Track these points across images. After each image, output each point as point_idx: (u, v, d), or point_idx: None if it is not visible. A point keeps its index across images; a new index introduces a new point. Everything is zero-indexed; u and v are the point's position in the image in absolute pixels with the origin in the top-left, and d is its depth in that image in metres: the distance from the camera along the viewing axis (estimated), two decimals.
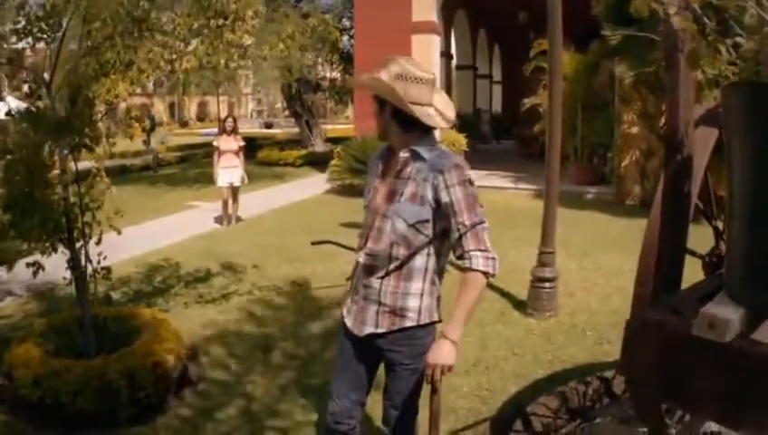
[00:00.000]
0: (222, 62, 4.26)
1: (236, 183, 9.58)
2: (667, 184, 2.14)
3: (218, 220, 9.89)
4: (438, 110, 2.29)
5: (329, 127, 26.21)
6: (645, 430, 2.76)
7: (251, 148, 20.42)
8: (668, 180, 2.14)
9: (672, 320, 1.70)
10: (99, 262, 4.03)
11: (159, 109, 43.08)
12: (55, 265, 4.01)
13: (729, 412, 1.62)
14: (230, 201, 9.68)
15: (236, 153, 9.56)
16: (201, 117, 53.40)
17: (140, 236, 8.47)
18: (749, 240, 1.62)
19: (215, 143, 9.75)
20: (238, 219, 9.93)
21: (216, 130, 17.25)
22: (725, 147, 1.68)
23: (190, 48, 4.25)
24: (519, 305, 5.54)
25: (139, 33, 4.03)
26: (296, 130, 23.02)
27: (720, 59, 1.49)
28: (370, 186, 2.44)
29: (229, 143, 9.54)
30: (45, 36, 3.94)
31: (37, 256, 3.91)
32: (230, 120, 9.90)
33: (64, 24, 3.91)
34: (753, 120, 1.54)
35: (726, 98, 1.66)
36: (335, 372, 2.58)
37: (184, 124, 46.04)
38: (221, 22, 4.23)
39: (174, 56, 4.19)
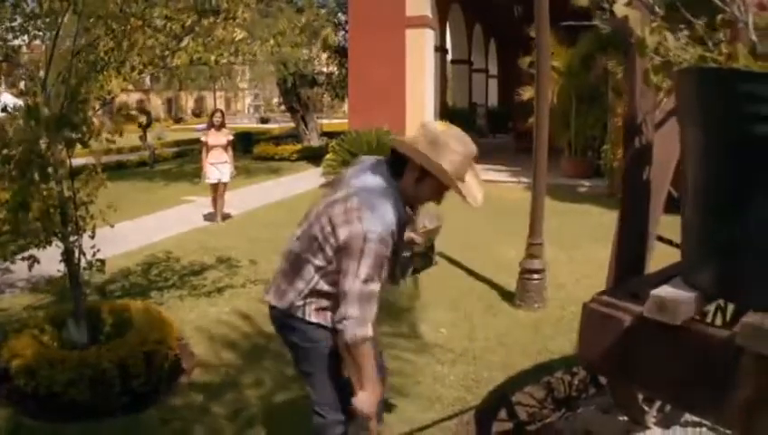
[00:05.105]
0: (212, 58, 4.31)
1: (225, 179, 9.35)
2: (627, 171, 2.20)
3: (210, 217, 9.73)
4: None
5: (325, 122, 26.27)
6: (626, 418, 2.83)
7: (248, 143, 20.51)
8: (627, 167, 2.20)
9: (627, 303, 1.76)
10: (93, 255, 4.10)
11: (156, 104, 43.12)
12: (52, 259, 4.07)
13: (682, 395, 1.67)
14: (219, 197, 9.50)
15: (225, 148, 9.32)
16: (197, 112, 53.28)
17: (136, 230, 8.54)
18: (699, 226, 1.66)
19: (203, 138, 9.49)
20: (226, 216, 9.73)
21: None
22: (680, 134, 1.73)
23: (182, 45, 4.30)
24: (508, 297, 5.60)
25: (132, 29, 4.08)
26: (292, 124, 23.03)
27: (666, 45, 1.51)
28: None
29: (218, 138, 9.29)
30: (42, 34, 4.00)
31: (32, 250, 3.97)
32: (218, 114, 9.65)
33: (61, 22, 3.95)
34: (701, 106, 1.55)
35: (677, 84, 1.67)
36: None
37: (178, 120, 45.88)
38: (212, 20, 4.28)
39: (166, 53, 4.24)
